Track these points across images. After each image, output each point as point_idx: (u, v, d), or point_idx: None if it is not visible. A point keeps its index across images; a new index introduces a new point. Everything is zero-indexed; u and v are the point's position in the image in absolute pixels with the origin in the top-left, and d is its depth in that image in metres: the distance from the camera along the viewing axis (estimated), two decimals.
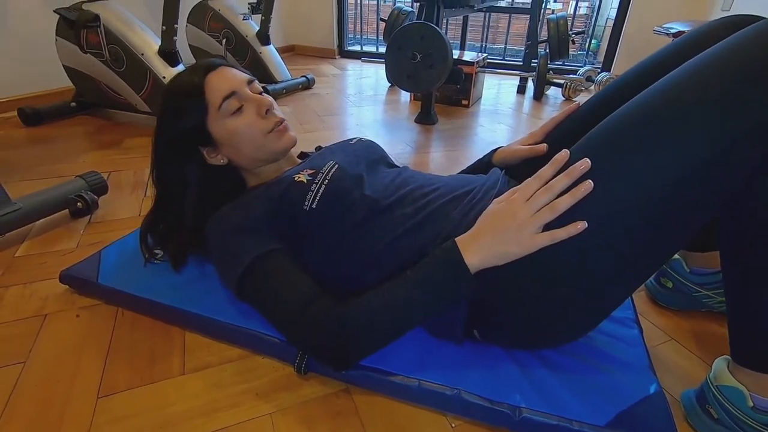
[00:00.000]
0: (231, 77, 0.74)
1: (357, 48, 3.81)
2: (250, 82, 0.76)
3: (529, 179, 0.58)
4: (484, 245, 0.57)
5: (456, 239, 0.59)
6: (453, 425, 0.62)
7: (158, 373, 0.69)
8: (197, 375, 0.69)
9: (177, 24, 1.66)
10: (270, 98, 0.75)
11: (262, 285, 0.65)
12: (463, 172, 0.92)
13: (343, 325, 0.59)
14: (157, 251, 0.84)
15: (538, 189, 0.56)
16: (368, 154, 0.82)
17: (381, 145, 0.90)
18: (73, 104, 1.91)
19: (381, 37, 3.41)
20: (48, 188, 1.09)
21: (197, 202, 0.77)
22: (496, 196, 0.66)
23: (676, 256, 0.83)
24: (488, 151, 0.87)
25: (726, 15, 0.61)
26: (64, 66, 1.82)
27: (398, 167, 0.86)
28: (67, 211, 1.12)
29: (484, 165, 0.87)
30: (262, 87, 0.79)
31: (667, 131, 0.49)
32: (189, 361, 0.72)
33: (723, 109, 0.46)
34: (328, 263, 0.71)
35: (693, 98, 0.48)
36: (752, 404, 0.56)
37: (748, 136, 0.46)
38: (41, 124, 1.81)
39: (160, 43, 1.69)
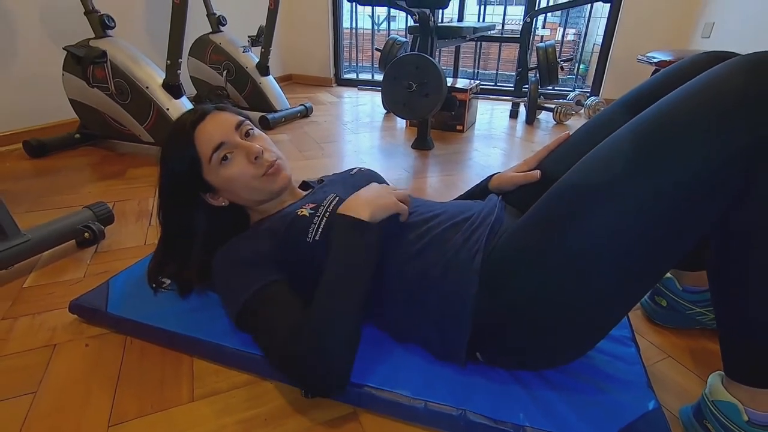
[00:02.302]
0: (218, 126, 0.75)
1: (353, 76, 3.91)
2: (239, 126, 0.77)
3: None
4: (359, 205, 0.69)
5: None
6: None
7: (167, 400, 0.71)
8: (206, 401, 0.71)
9: (181, 58, 1.72)
10: (258, 144, 0.76)
11: (258, 314, 0.68)
12: (460, 197, 0.96)
13: (305, 337, 0.61)
14: (164, 280, 0.87)
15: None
16: (368, 184, 0.86)
17: (379, 172, 0.94)
18: (77, 136, 1.95)
19: (376, 65, 3.52)
20: (56, 219, 1.11)
21: (204, 241, 0.80)
22: (494, 222, 0.70)
23: (669, 275, 0.86)
24: (484, 178, 0.91)
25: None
26: (70, 99, 1.88)
27: None
28: (74, 241, 1.14)
29: (480, 190, 0.91)
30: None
31: (652, 161, 0.52)
32: (198, 388, 0.73)
33: (701, 140, 0.50)
34: None
35: (672, 131, 0.52)
36: (747, 418, 0.58)
37: (725, 163, 0.50)
38: (46, 155, 1.85)
39: (164, 77, 1.75)
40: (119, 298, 0.87)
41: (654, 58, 1.96)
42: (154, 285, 0.85)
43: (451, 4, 1.62)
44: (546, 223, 0.60)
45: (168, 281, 0.87)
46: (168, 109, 1.73)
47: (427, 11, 1.73)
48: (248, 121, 0.80)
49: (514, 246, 0.64)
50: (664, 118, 0.53)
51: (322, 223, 0.71)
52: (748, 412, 0.58)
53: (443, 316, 0.67)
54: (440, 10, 3.47)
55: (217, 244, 0.76)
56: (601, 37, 3.03)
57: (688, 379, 0.76)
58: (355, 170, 0.90)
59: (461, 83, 2.44)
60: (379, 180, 0.90)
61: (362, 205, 0.69)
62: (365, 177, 0.88)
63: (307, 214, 0.73)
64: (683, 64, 0.68)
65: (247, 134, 0.78)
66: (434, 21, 1.84)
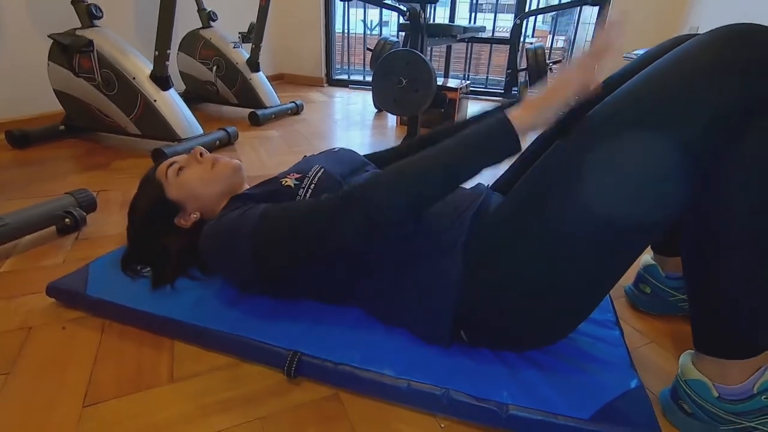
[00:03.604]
0: (172, 158, 0.86)
1: (344, 77, 3.92)
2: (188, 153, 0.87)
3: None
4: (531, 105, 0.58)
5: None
6: (442, 425, 0.63)
7: (145, 381, 0.69)
8: (186, 383, 0.69)
9: (169, 50, 1.71)
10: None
11: (280, 220, 0.65)
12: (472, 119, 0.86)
13: (369, 182, 0.60)
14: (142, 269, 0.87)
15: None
16: (352, 160, 0.86)
17: None
18: (62, 127, 1.92)
19: (368, 67, 3.53)
20: (36, 204, 1.09)
21: (177, 261, 0.84)
22: (480, 205, 0.70)
23: (653, 261, 0.87)
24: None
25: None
26: (54, 90, 1.85)
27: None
28: (54, 228, 1.12)
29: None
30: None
31: (628, 132, 0.53)
32: (177, 370, 0.71)
33: (675, 111, 0.50)
34: (319, 273, 0.74)
35: (647, 103, 0.52)
36: (717, 394, 0.58)
37: (699, 137, 0.50)
38: (29, 146, 1.82)
39: (152, 68, 1.73)
40: (99, 282, 0.86)
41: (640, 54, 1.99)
42: (132, 276, 0.86)
43: (443, 11, 1.63)
44: (526, 204, 0.61)
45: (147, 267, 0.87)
46: (155, 101, 1.71)
47: (418, 7, 1.74)
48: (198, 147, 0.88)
49: (496, 227, 0.64)
50: (641, 92, 0.53)
51: (308, 195, 0.70)
52: (718, 388, 0.58)
53: (428, 297, 0.67)
54: (432, 13, 3.50)
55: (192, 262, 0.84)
56: (590, 43, 3.07)
57: (670, 363, 0.76)
58: (337, 149, 0.91)
59: (452, 83, 2.45)
60: (361, 158, 0.89)
61: (533, 100, 0.58)
62: (348, 154, 0.88)
63: (292, 185, 0.72)
64: (664, 43, 0.69)
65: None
66: (425, 18, 1.85)
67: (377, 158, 0.93)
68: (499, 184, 0.86)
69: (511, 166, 0.86)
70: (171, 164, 0.83)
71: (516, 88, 2.66)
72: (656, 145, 0.51)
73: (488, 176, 0.70)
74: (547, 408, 0.59)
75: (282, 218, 0.66)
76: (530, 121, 0.57)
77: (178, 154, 0.98)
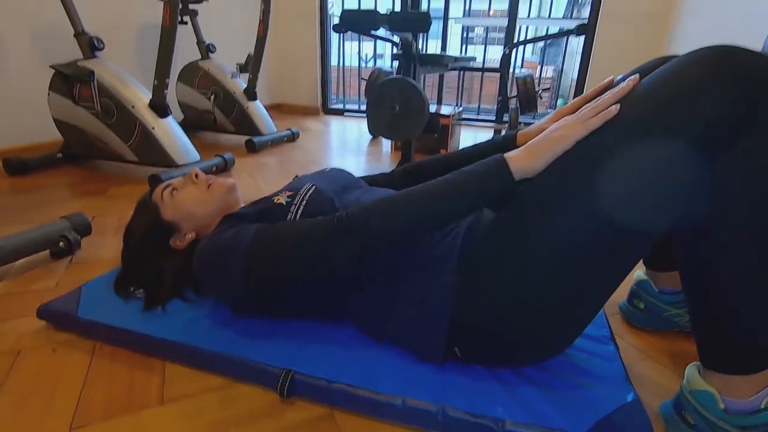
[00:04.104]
0: (168, 181, 0.87)
1: (340, 106, 4.01)
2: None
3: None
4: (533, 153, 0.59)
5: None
6: None
7: (135, 403, 0.68)
8: (176, 404, 0.68)
9: (168, 79, 1.75)
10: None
11: (273, 240, 0.67)
12: (466, 150, 0.89)
13: (365, 210, 0.62)
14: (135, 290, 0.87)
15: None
16: (343, 178, 0.87)
17: None
18: (60, 155, 1.94)
19: (363, 97, 3.62)
20: (31, 228, 1.09)
21: (173, 283, 0.84)
22: (473, 220, 0.71)
23: (645, 276, 0.87)
24: (500, 136, 0.86)
25: None
26: (54, 119, 1.88)
27: (372, 189, 0.90)
28: (48, 252, 1.12)
29: (496, 149, 0.82)
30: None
31: (616, 149, 0.54)
32: (168, 392, 0.70)
33: (651, 133, 0.52)
34: (312, 291, 0.74)
35: (635, 117, 0.54)
36: (723, 406, 0.58)
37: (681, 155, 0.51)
38: (27, 174, 1.83)
39: (150, 97, 1.77)
40: (91, 303, 0.85)
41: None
42: (124, 297, 0.86)
43: (435, 43, 1.70)
44: (519, 218, 0.61)
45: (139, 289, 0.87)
46: (153, 128, 1.74)
47: (410, 37, 1.81)
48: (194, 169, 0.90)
49: (489, 240, 0.65)
50: (633, 104, 0.55)
51: (299, 212, 0.71)
52: (725, 401, 0.58)
53: (421, 312, 0.67)
54: (424, 45, 3.62)
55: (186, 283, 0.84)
56: (578, 72, 3.18)
57: (667, 378, 0.76)
58: (328, 168, 0.92)
59: (445, 110, 2.51)
60: (352, 177, 0.91)
61: (533, 147, 0.59)
62: (339, 172, 0.90)
63: (284, 203, 0.73)
64: (651, 61, 0.71)
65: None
66: (417, 48, 1.92)
67: (370, 181, 0.94)
68: None
69: None
70: (166, 186, 0.85)
71: (507, 115, 2.73)
72: (651, 153, 0.51)
73: None
74: (543, 423, 0.59)
75: (275, 239, 0.67)
76: (530, 167, 0.58)
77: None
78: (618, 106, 0.55)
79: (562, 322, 0.63)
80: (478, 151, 0.87)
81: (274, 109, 3.87)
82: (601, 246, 0.56)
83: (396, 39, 1.99)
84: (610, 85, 0.79)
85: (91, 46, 1.76)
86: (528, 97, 2.57)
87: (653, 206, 0.53)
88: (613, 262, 0.59)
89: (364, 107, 3.87)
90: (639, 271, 0.90)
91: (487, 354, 0.69)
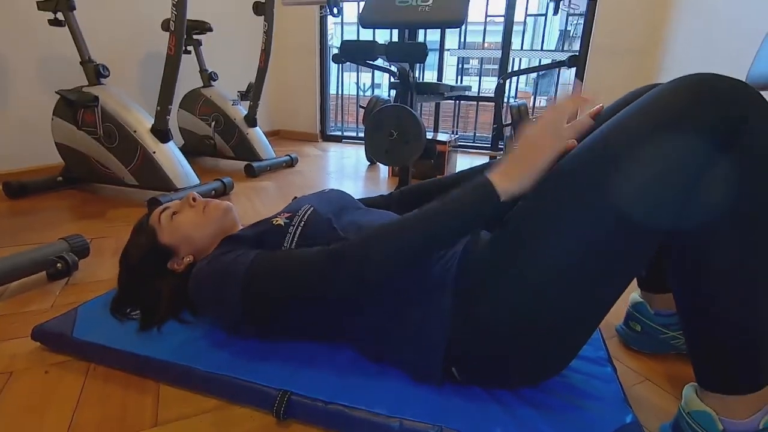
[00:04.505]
0: (166, 204, 0.88)
1: (338, 133, 4.08)
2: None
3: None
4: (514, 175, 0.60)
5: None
6: None
7: (129, 425, 0.66)
8: (171, 426, 0.67)
9: (171, 105, 1.79)
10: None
11: (271, 267, 0.68)
12: (461, 174, 0.92)
13: (361, 239, 0.63)
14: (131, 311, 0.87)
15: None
16: (341, 200, 0.89)
17: None
18: (60, 179, 1.96)
19: (361, 124, 3.68)
20: (29, 250, 1.09)
21: (169, 304, 0.84)
22: (468, 242, 0.72)
23: (641, 299, 0.88)
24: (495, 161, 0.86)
25: None
26: (56, 143, 1.90)
27: (370, 210, 0.92)
28: (44, 274, 1.11)
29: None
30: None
31: (601, 177, 0.55)
32: (162, 414, 0.69)
33: (643, 154, 0.54)
34: (309, 313, 0.74)
35: (620, 141, 0.56)
36: (722, 428, 0.57)
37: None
38: (26, 197, 1.84)
39: (153, 122, 1.81)
40: (87, 324, 0.84)
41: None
42: (121, 318, 0.86)
43: (431, 74, 1.75)
44: (512, 241, 0.63)
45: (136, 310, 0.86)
46: (154, 152, 1.77)
47: (407, 67, 1.87)
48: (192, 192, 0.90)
49: (485, 262, 0.66)
50: (617, 132, 0.57)
51: (297, 232, 0.72)
52: (723, 422, 0.58)
53: (419, 333, 0.67)
54: (421, 75, 3.72)
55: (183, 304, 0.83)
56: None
57: (666, 400, 0.75)
58: (327, 189, 0.94)
59: (441, 137, 2.56)
60: (351, 198, 0.92)
61: (514, 175, 0.61)
62: (338, 194, 0.91)
63: (282, 224, 0.74)
64: (629, 94, 0.74)
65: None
66: (414, 77, 1.98)
67: (368, 203, 0.96)
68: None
69: None
70: (164, 210, 0.85)
71: (502, 142, 2.79)
72: (636, 175, 0.53)
73: None
74: None
75: (273, 267, 0.68)
76: (514, 189, 0.60)
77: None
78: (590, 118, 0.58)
79: (558, 343, 0.63)
80: (473, 174, 0.89)
81: (273, 135, 3.93)
82: (593, 266, 0.57)
83: (394, 69, 2.06)
84: (599, 112, 0.82)
85: (96, 73, 1.80)
86: (522, 124, 2.63)
87: (639, 226, 0.55)
88: (606, 281, 0.60)
89: (361, 134, 3.95)
90: (634, 294, 0.91)
91: (484, 376, 0.69)
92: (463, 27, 3.53)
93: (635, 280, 0.87)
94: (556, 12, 2.50)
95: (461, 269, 0.67)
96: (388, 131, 1.81)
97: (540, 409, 0.65)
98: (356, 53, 1.81)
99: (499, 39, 3.20)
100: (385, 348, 0.72)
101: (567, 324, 0.61)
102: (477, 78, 3.82)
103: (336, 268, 0.63)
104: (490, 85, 4.39)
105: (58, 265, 1.09)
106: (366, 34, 3.85)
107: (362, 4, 1.93)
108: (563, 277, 0.58)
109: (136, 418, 0.68)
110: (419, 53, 1.64)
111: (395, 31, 1.84)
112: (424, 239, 0.62)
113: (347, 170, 2.77)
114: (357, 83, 4.18)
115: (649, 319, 0.86)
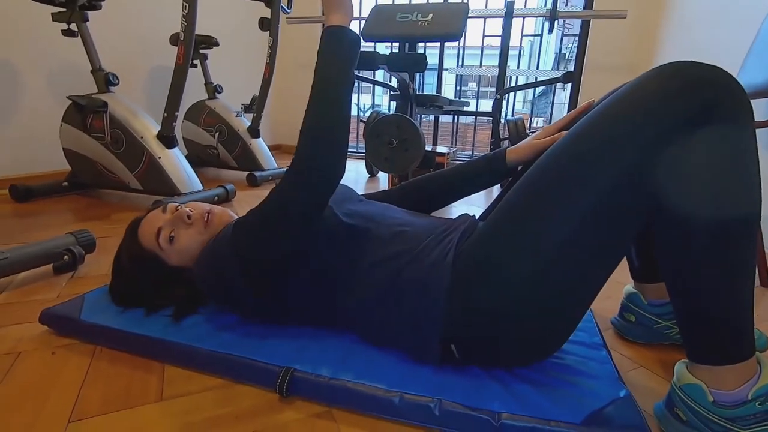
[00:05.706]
0: (151, 220, 0.85)
1: None
2: (164, 210, 0.86)
3: None
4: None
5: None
6: None
7: (134, 400, 0.68)
8: (175, 401, 0.68)
9: (177, 112, 1.84)
10: (187, 208, 0.85)
11: (249, 215, 0.76)
12: (461, 166, 0.96)
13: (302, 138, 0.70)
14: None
15: None
16: (344, 193, 0.92)
17: None
18: (65, 184, 1.99)
19: (361, 136, 3.74)
20: (37, 242, 1.12)
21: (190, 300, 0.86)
22: (467, 227, 0.75)
23: (634, 290, 0.91)
24: (491, 152, 0.91)
25: None
26: (64, 149, 1.94)
27: (371, 202, 0.95)
28: (51, 266, 1.13)
29: (488, 162, 0.91)
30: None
31: (584, 163, 0.60)
32: (167, 390, 0.70)
33: (626, 137, 0.57)
34: (306, 291, 0.77)
35: (603, 124, 0.60)
36: (712, 399, 0.59)
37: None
38: (31, 200, 1.87)
39: (159, 128, 1.86)
40: (94, 309, 0.86)
41: None
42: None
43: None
44: (510, 221, 0.66)
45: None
46: (160, 158, 1.81)
47: (407, 77, 1.93)
48: (171, 203, 0.88)
49: (483, 242, 0.69)
50: (597, 116, 0.61)
51: None
52: (713, 393, 0.59)
53: (417, 311, 0.69)
54: (421, 89, 3.81)
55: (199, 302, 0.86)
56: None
57: (660, 384, 0.77)
58: None
59: (440, 149, 2.62)
60: (353, 192, 0.96)
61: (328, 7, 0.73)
62: (341, 188, 0.94)
63: None
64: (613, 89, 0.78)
65: (176, 210, 0.85)
66: (413, 88, 2.04)
67: (369, 197, 0.99)
68: (486, 216, 0.92)
69: (496, 199, 0.92)
70: (158, 232, 0.82)
71: None
72: (617, 155, 0.57)
73: (476, 208, 0.75)
74: (538, 415, 0.60)
75: (250, 214, 0.75)
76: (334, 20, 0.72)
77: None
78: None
79: (553, 322, 0.66)
80: (470, 165, 0.93)
81: (275, 149, 3.99)
82: (586, 241, 0.60)
83: (394, 84, 2.12)
84: (589, 108, 0.87)
85: (106, 81, 1.86)
86: (519, 138, 2.69)
87: (626, 200, 0.58)
88: (596, 262, 0.63)
89: (361, 148, 4.01)
90: (628, 285, 0.93)
91: (482, 354, 0.71)
92: (461, 51, 3.65)
93: (629, 272, 0.90)
94: (551, 31, 2.59)
95: (460, 251, 0.70)
96: (388, 139, 1.86)
97: (537, 385, 0.67)
98: (359, 63, 1.87)
99: (495, 63, 3.30)
100: (383, 328, 0.74)
101: (561, 304, 0.64)
102: (474, 100, 3.91)
103: (294, 172, 0.70)
104: (487, 107, 4.50)
105: (65, 257, 1.11)
106: (368, 49, 3.96)
107: (363, 22, 2.01)
108: (559, 256, 0.60)
109: (141, 394, 0.69)
110: (419, 63, 1.71)
111: (396, 46, 1.91)
112: (325, 94, 0.71)
113: (347, 182, 2.79)
114: (357, 104, 4.28)
115: (643, 310, 0.89)
